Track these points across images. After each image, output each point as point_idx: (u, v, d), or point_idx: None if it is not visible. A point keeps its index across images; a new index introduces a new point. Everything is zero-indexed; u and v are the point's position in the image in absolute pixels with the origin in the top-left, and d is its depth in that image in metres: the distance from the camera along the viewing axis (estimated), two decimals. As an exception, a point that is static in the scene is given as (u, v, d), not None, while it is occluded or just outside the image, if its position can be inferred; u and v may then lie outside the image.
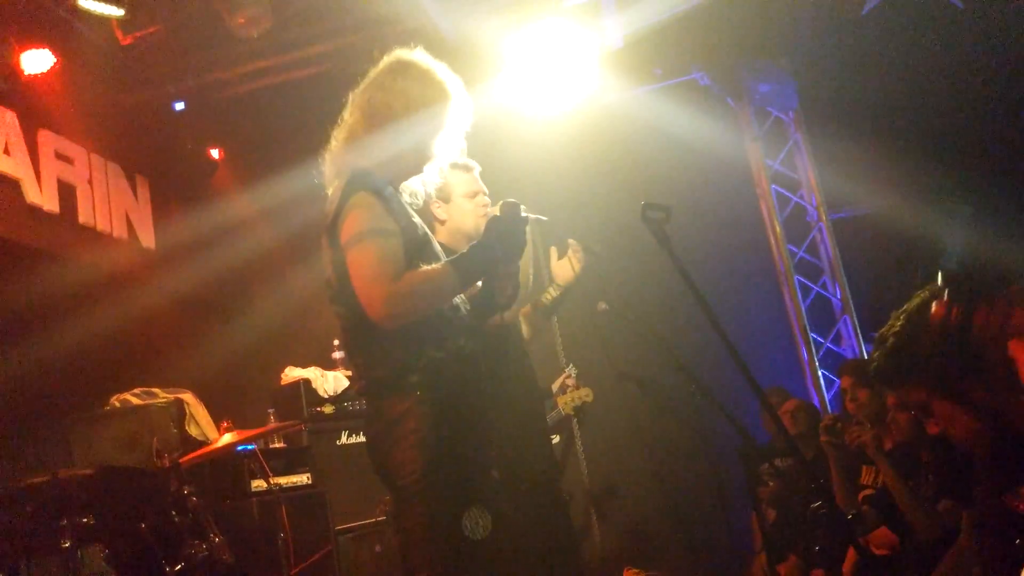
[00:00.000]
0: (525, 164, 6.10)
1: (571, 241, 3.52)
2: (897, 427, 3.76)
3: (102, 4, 4.45)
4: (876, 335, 1.98)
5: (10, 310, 4.57)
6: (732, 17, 6.04)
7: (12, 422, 4.43)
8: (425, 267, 2.39)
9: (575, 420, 5.96)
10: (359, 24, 5.81)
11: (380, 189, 2.43)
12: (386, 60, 2.62)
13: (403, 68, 2.57)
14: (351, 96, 2.61)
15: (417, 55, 2.62)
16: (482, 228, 3.21)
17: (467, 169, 3.29)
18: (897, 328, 1.87)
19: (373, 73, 2.61)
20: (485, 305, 2.57)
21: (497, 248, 2.42)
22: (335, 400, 5.44)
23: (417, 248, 2.43)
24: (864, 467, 4.09)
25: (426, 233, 2.54)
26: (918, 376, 1.83)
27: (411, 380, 2.36)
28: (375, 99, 2.53)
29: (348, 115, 2.59)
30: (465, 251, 2.44)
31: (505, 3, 5.83)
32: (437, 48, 5.75)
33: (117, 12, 4.52)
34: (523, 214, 2.47)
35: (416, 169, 2.61)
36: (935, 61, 6.01)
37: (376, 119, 2.51)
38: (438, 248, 2.58)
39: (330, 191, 2.54)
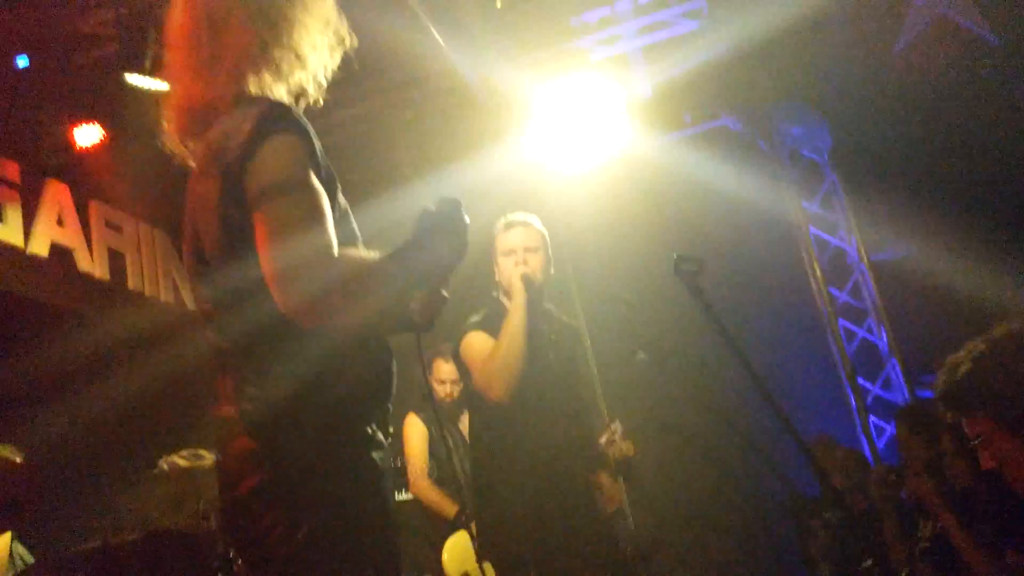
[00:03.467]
0: (558, 215, 6.13)
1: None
2: (955, 474, 3.66)
3: (149, 79, 4.62)
4: (946, 361, 1.96)
5: (61, 374, 4.70)
6: (760, 61, 6.08)
7: (62, 485, 4.52)
8: (356, 252, 1.75)
9: (619, 476, 5.91)
10: (390, 85, 5.97)
11: (307, 130, 1.71)
12: None
13: None
14: (171, 16, 1.90)
15: None
16: (511, 281, 3.30)
17: (508, 227, 3.39)
18: (977, 354, 1.83)
19: None
20: (400, 320, 1.93)
21: (432, 247, 1.79)
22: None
23: (340, 224, 1.72)
24: (923, 520, 3.97)
25: (347, 207, 1.84)
26: (988, 406, 1.80)
27: (323, 411, 1.66)
28: (211, 5, 1.81)
29: (176, 40, 1.87)
30: (401, 245, 1.78)
31: (534, 59, 5.95)
32: (468, 104, 5.95)
33: (163, 86, 4.69)
34: (466, 219, 1.86)
35: (297, 84, 1.88)
36: (969, 97, 5.97)
37: (223, 29, 1.79)
38: (356, 231, 1.88)
39: (191, 143, 1.87)
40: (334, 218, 1.66)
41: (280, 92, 1.83)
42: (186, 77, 1.83)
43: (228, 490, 1.70)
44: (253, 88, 1.78)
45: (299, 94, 1.89)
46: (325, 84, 1.91)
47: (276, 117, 1.66)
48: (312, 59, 1.86)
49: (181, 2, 1.87)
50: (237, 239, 1.64)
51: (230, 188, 1.63)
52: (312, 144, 1.69)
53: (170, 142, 1.93)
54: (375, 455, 1.71)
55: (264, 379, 1.66)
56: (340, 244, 1.64)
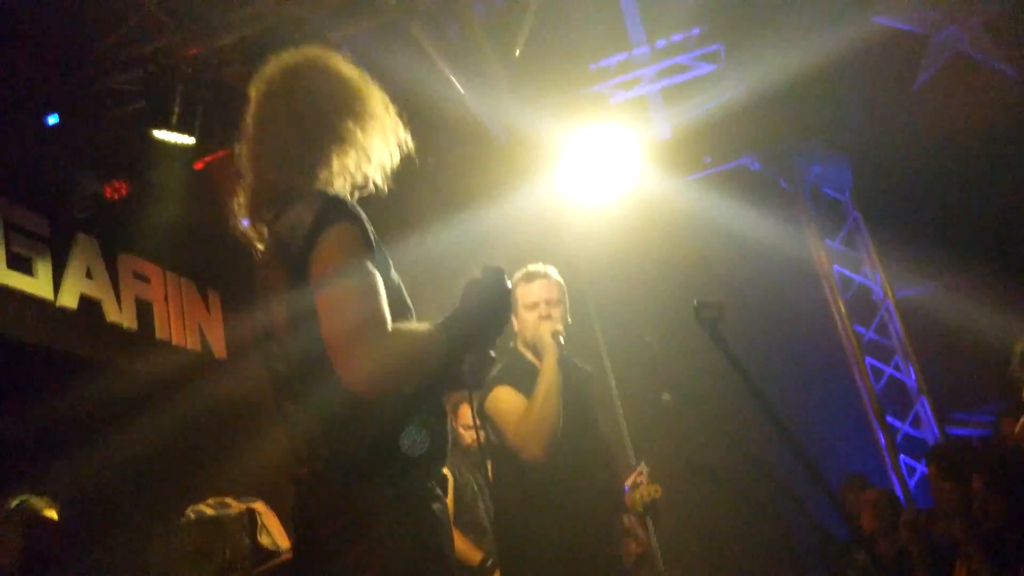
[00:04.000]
0: (580, 258, 6.18)
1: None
2: (987, 514, 3.59)
3: (175, 134, 4.73)
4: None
5: (90, 424, 4.75)
6: (779, 101, 6.11)
7: (90, 536, 4.54)
8: (409, 325, 1.89)
9: (648, 518, 5.84)
10: (414, 134, 6.05)
11: (361, 219, 1.87)
12: (287, 61, 2.11)
13: (316, 65, 2.08)
14: (250, 113, 2.08)
15: (318, 51, 2.14)
16: (541, 338, 3.31)
17: (528, 279, 3.40)
18: None
19: (273, 76, 2.08)
20: (451, 380, 2.05)
21: (479, 314, 1.97)
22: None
23: (394, 300, 1.88)
24: (957, 563, 3.89)
25: (399, 283, 2.02)
26: None
27: (391, 466, 1.83)
28: (297, 103, 2.00)
29: (259, 132, 2.03)
30: (450, 313, 1.96)
31: (554, 104, 6.02)
32: (489, 150, 6.01)
33: (189, 140, 4.80)
34: (508, 285, 2.05)
35: (364, 181, 2.07)
36: (989, 132, 5.96)
37: (307, 127, 1.99)
38: (409, 303, 2.06)
39: (264, 228, 2.00)
40: (388, 296, 1.82)
41: (346, 185, 2.03)
42: (262, 166, 2.01)
43: (304, 537, 1.89)
44: (322, 181, 1.98)
45: (364, 185, 2.08)
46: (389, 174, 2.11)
47: (333, 209, 1.83)
48: (377, 153, 2.07)
49: (262, 97, 2.06)
50: (303, 322, 1.81)
51: (295, 278, 1.82)
52: (366, 230, 1.87)
53: (238, 224, 2.11)
54: (435, 507, 1.90)
55: (334, 442, 1.84)
56: (394, 318, 1.80)
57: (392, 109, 2.13)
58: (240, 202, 2.09)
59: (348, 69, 2.09)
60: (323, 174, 1.99)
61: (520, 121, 5.89)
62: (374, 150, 2.06)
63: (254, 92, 2.08)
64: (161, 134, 4.72)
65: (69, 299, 4.91)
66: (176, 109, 4.69)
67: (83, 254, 5.10)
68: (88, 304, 5.03)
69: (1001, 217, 5.94)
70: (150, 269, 5.60)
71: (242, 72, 5.07)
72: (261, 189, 2.01)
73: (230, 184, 6.12)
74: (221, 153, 5.43)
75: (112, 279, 5.23)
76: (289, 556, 4.12)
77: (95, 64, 4.82)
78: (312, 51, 2.12)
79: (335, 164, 2.01)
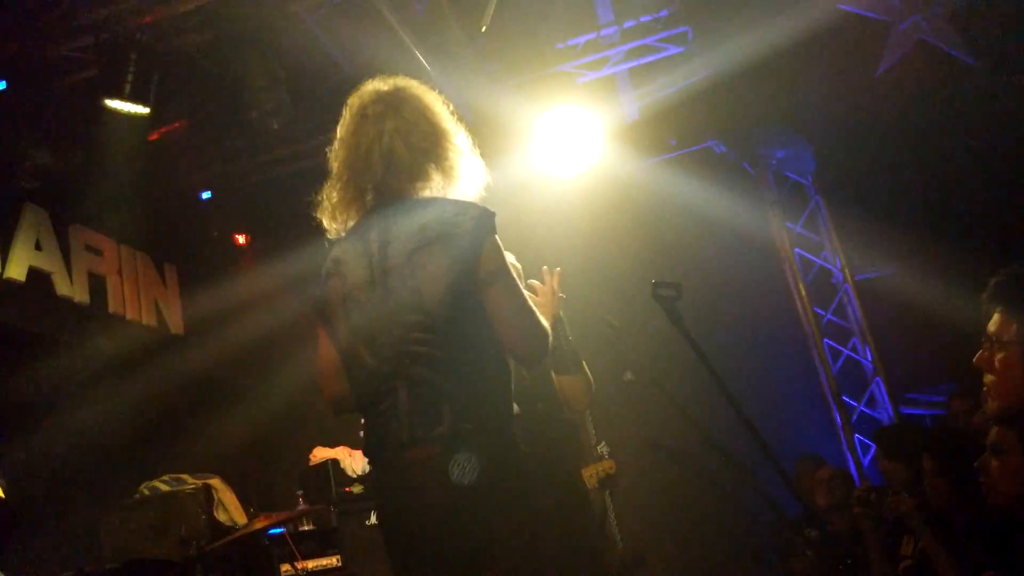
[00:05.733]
0: (543, 237, 6.15)
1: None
2: (935, 494, 3.66)
3: (128, 103, 4.61)
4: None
5: (41, 399, 4.65)
6: (745, 86, 6.12)
7: (43, 511, 4.45)
8: None
9: (607, 492, 5.88)
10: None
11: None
12: (396, 84, 2.41)
13: (418, 91, 2.41)
14: (387, 115, 2.34)
15: (416, 82, 2.45)
16: None
17: None
18: None
19: (381, 95, 2.38)
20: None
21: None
22: (364, 479, 5.42)
23: None
24: (905, 537, 3.97)
25: None
26: None
27: (512, 430, 2.18)
28: (426, 124, 2.33)
29: (406, 135, 2.32)
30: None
31: (519, 83, 5.97)
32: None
33: (143, 110, 4.68)
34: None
35: (471, 187, 2.44)
36: (949, 119, 6.03)
37: (416, 142, 2.32)
38: None
39: (425, 197, 2.30)
40: None
41: (457, 191, 2.37)
42: (380, 170, 2.31)
43: (453, 483, 2.09)
44: (437, 187, 2.34)
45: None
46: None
47: (490, 218, 2.24)
48: (471, 171, 2.41)
49: (371, 112, 2.35)
50: (465, 301, 2.17)
51: (462, 265, 2.16)
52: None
53: (323, 214, 2.40)
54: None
55: (480, 405, 2.15)
56: None
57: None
58: (331, 196, 2.38)
59: (440, 99, 2.43)
60: (436, 181, 2.33)
61: (485, 99, 5.84)
62: (465, 165, 2.39)
63: (356, 105, 2.39)
64: (114, 103, 4.59)
65: (17, 271, 4.77)
66: (129, 78, 4.56)
67: (32, 225, 4.95)
68: (37, 277, 4.89)
69: (958, 202, 6.02)
70: (103, 242, 5.46)
71: (198, 41, 4.96)
72: (375, 188, 2.33)
73: (186, 157, 6.01)
74: (177, 124, 5.32)
75: (63, 251, 5.09)
76: (245, 532, 4.08)
77: (45, 30, 4.66)
78: (412, 81, 2.44)
79: (441, 174, 2.33)
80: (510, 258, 3.47)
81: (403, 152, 2.29)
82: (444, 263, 2.16)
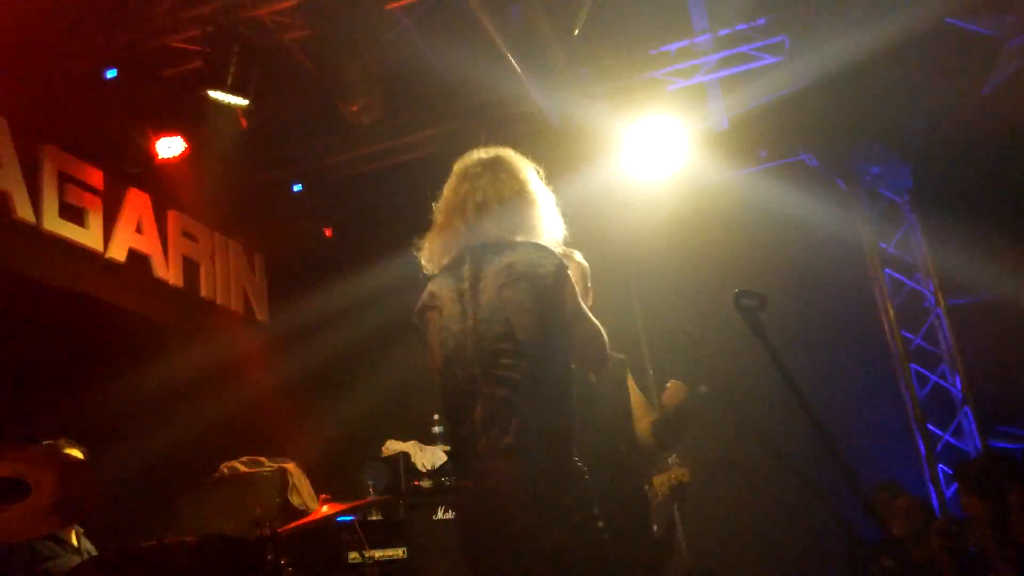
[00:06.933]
0: (628, 245, 6.13)
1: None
2: (1020, 531, 3.50)
3: (230, 95, 4.78)
4: None
5: (129, 376, 4.82)
6: (841, 99, 5.96)
7: (128, 486, 4.63)
8: None
9: (675, 504, 5.80)
10: (467, 110, 6.05)
11: None
12: (512, 154, 2.81)
13: (524, 161, 2.82)
14: (484, 174, 2.72)
15: (510, 151, 2.85)
16: None
17: None
18: None
19: (482, 160, 2.77)
20: None
21: None
22: (433, 475, 5.47)
23: None
24: (988, 574, 3.80)
25: None
26: None
27: (572, 440, 2.44)
28: (517, 183, 2.71)
29: (498, 189, 2.69)
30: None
31: (611, 88, 5.95)
32: (542, 130, 5.97)
33: (242, 102, 4.84)
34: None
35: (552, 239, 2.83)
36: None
37: (510, 197, 2.70)
38: None
39: (519, 242, 2.62)
40: None
41: (539, 239, 2.69)
42: (473, 215, 2.66)
43: (518, 488, 2.37)
44: (525, 235, 2.66)
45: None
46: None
47: (565, 263, 2.58)
48: (552, 224, 2.74)
49: (472, 174, 2.72)
50: (549, 331, 2.48)
51: (547, 300, 2.49)
52: None
53: (422, 255, 2.77)
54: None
55: (545, 421, 2.41)
56: None
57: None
58: (431, 239, 2.74)
59: (532, 166, 2.79)
60: (521, 229, 2.65)
61: (575, 102, 5.84)
62: (548, 218, 2.74)
63: (460, 169, 2.75)
64: (215, 93, 4.76)
65: (118, 252, 5.00)
66: (232, 70, 4.73)
67: (134, 208, 5.19)
68: (136, 258, 5.12)
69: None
70: (199, 228, 5.68)
71: (298, 36, 5.11)
72: (468, 232, 2.66)
73: (281, 149, 6.17)
74: (274, 116, 5.48)
75: (161, 235, 5.32)
76: (316, 517, 4.16)
77: (155, 21, 4.87)
78: (510, 151, 2.82)
79: (527, 224, 2.66)
80: (578, 256, 3.52)
81: (494, 203, 2.64)
82: (531, 298, 2.48)
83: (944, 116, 6.16)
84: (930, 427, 6.36)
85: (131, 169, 5.18)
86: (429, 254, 2.75)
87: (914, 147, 6.65)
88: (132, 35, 4.89)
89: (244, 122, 5.05)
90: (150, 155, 5.17)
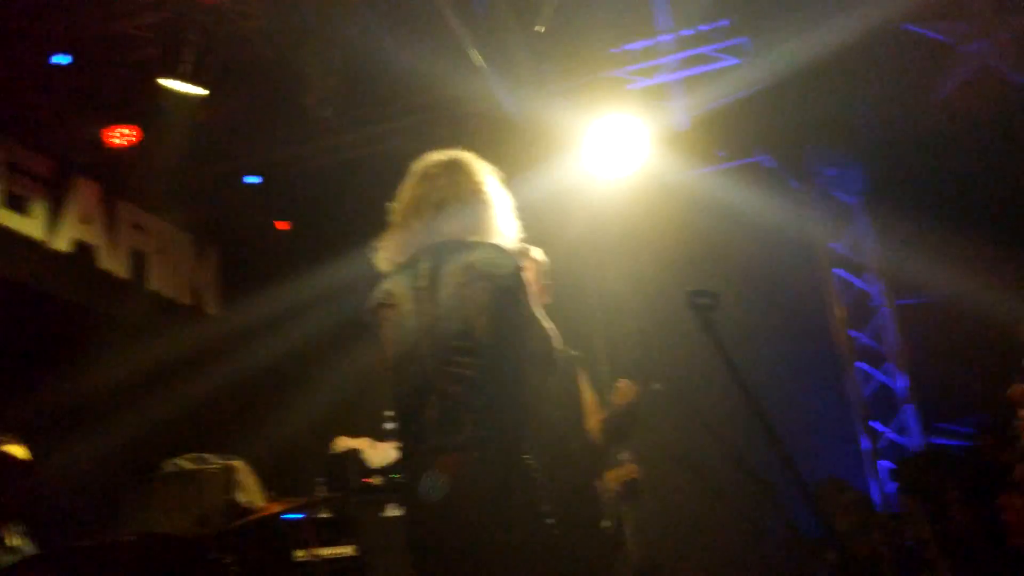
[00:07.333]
0: (585, 243, 6.14)
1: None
2: (957, 526, 3.57)
3: (185, 84, 4.67)
4: None
5: (71, 370, 4.72)
6: (798, 101, 6.02)
7: (69, 483, 4.53)
8: None
9: (625, 500, 5.83)
10: (428, 104, 6.01)
11: None
12: (451, 156, 2.81)
13: (481, 163, 2.83)
14: (441, 175, 2.73)
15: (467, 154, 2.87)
16: None
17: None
18: None
19: (439, 162, 2.77)
20: None
21: None
22: (384, 472, 5.43)
23: None
24: (924, 567, 3.88)
25: None
26: None
27: (525, 438, 2.47)
28: (473, 184, 2.73)
29: (469, 192, 2.72)
30: None
31: (573, 85, 5.95)
32: (503, 126, 5.95)
33: (200, 91, 4.74)
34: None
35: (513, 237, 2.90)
36: (1008, 148, 5.87)
37: (465, 199, 2.73)
38: None
39: (473, 240, 2.65)
40: None
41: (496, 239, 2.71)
42: (430, 216, 2.67)
43: (469, 483, 2.38)
44: (481, 236, 2.67)
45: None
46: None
47: (522, 266, 2.62)
48: (508, 224, 2.75)
49: (427, 176, 2.72)
50: (505, 331, 2.50)
51: (505, 301, 2.51)
52: None
53: (378, 260, 2.74)
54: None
55: (498, 418, 2.45)
56: None
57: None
58: (392, 242, 2.73)
59: (489, 168, 2.80)
60: (478, 229, 2.67)
61: (535, 100, 5.83)
62: (503, 217, 2.75)
63: (418, 169, 2.74)
64: (170, 83, 4.66)
65: (62, 243, 4.88)
66: (187, 59, 4.63)
67: (82, 198, 5.06)
68: (82, 249, 5.00)
69: (1013, 235, 5.86)
70: (148, 220, 5.56)
71: (258, 26, 5.01)
72: (425, 232, 2.66)
73: (236, 140, 6.05)
74: (229, 107, 5.38)
75: (109, 226, 5.20)
76: (262, 515, 4.10)
77: (108, 8, 4.75)
78: (467, 154, 2.81)
79: (483, 224, 2.68)
80: (537, 254, 3.53)
81: (452, 203, 2.66)
82: (490, 298, 2.50)
83: (898, 120, 6.26)
84: (874, 424, 6.49)
85: (81, 158, 5.06)
86: (385, 253, 2.75)
87: (868, 150, 6.75)
88: (85, 20, 4.76)
89: (201, 112, 4.95)
90: (101, 144, 5.05)
